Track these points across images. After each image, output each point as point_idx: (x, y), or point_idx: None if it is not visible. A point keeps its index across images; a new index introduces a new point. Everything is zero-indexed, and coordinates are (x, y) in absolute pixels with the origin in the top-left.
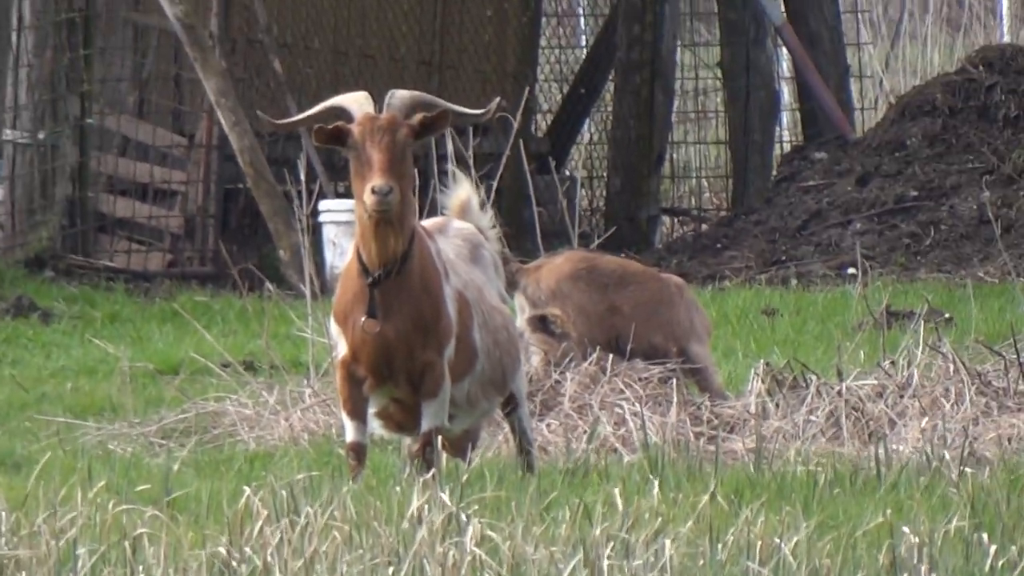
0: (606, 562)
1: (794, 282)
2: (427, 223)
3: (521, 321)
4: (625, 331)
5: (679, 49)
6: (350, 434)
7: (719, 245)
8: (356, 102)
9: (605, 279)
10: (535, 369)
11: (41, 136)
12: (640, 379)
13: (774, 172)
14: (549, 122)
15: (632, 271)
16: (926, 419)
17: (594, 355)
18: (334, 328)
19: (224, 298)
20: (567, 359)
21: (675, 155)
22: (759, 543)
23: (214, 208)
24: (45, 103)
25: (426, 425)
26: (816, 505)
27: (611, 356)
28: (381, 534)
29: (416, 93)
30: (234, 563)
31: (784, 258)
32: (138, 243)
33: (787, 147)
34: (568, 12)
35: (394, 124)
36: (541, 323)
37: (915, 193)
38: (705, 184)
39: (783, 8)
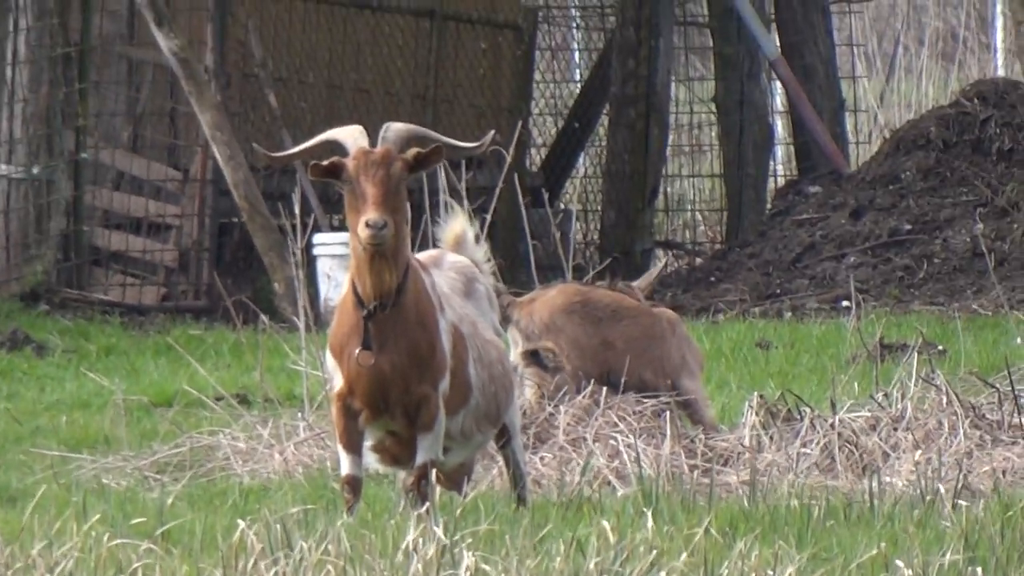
0: None
1: (788, 315)
2: (422, 256)
3: (515, 355)
4: (617, 366)
5: (673, 83)
6: (345, 467)
7: (713, 278)
8: (351, 136)
9: (599, 313)
10: (529, 402)
11: (36, 170)
12: (634, 412)
13: (768, 206)
14: (543, 156)
15: (625, 306)
16: (920, 452)
17: (588, 388)
18: (330, 361)
19: (218, 331)
20: (561, 393)
21: (669, 188)
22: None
23: (208, 242)
24: (40, 137)
25: (421, 458)
26: (810, 538)
27: (604, 389)
28: (375, 568)
29: (411, 126)
30: None
31: (778, 291)
32: (132, 277)
33: (781, 181)
34: (562, 46)
35: (388, 158)
36: (535, 357)
37: (909, 226)
38: (699, 217)
39: (777, 42)
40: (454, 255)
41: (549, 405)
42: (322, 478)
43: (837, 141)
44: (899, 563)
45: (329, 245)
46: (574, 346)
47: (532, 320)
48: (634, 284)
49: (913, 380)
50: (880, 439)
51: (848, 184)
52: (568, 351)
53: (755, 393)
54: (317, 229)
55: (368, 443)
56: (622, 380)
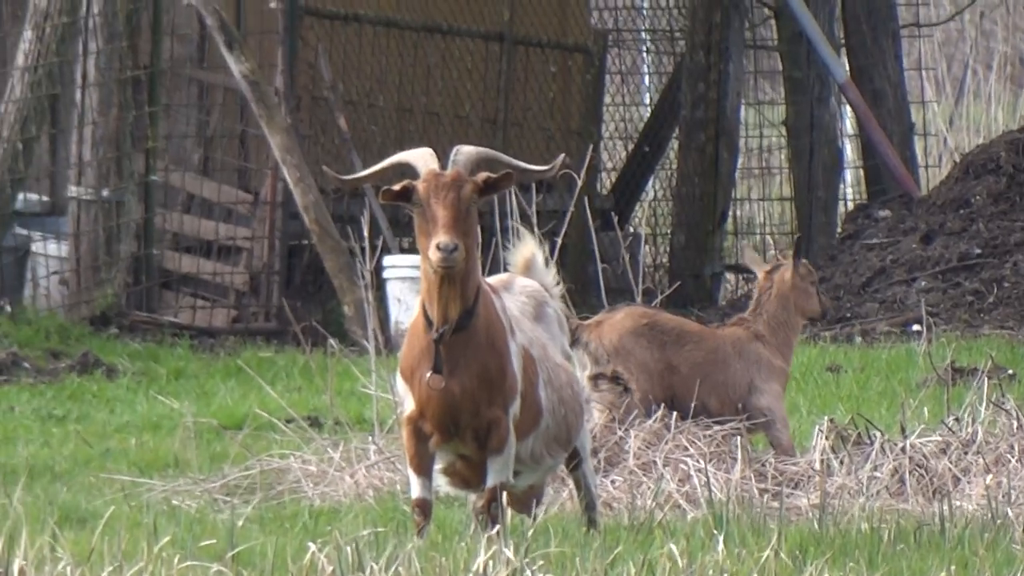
0: None
1: (858, 339)
2: (492, 280)
3: (583, 378)
4: (681, 390)
5: (743, 107)
6: (416, 490)
7: None
8: (421, 158)
9: (664, 336)
10: (597, 426)
11: (106, 193)
12: (704, 436)
13: (838, 229)
14: (613, 179)
15: (689, 330)
16: (990, 476)
17: (658, 412)
18: (400, 384)
19: (288, 354)
20: (630, 416)
21: (739, 212)
22: None
23: (279, 264)
24: (110, 160)
25: (491, 481)
26: (880, 561)
27: (674, 414)
28: None
29: (481, 149)
30: None
31: (848, 315)
32: (203, 299)
33: (851, 204)
34: (632, 70)
35: (459, 180)
36: (603, 381)
37: (979, 250)
38: (770, 241)
39: (847, 66)
40: (524, 279)
41: (619, 429)
42: (392, 501)
43: (907, 165)
44: None
45: (399, 268)
46: (642, 369)
47: (601, 343)
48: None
49: (983, 404)
50: (950, 463)
51: (918, 208)
52: (636, 374)
53: (825, 417)
54: (387, 251)
55: (438, 466)
56: (690, 406)
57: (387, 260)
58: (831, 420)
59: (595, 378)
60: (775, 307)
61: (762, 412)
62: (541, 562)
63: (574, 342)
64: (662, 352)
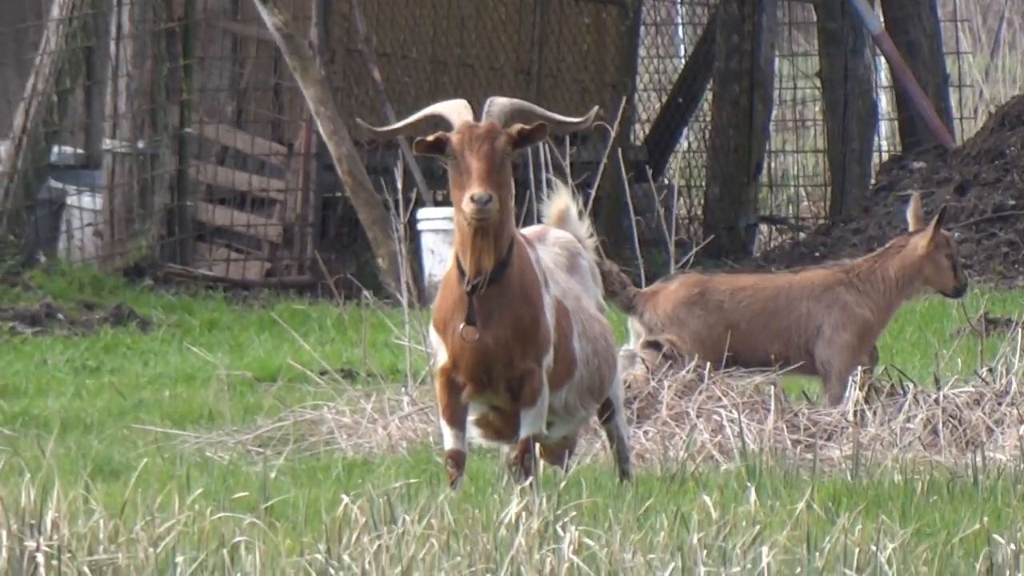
0: (703, 569)
1: None
2: (525, 231)
3: (636, 345)
4: (743, 346)
5: (777, 59)
6: (449, 442)
7: (817, 253)
8: (455, 110)
9: (718, 297)
10: (635, 377)
11: (140, 145)
12: (737, 386)
13: (872, 181)
14: (647, 131)
15: (742, 284)
16: None
17: (692, 363)
18: (433, 336)
19: (322, 306)
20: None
21: (773, 164)
22: (856, 550)
23: (312, 217)
24: (144, 112)
25: (524, 433)
26: (913, 513)
27: (708, 364)
28: (478, 541)
29: (515, 101)
30: (332, 571)
31: None
32: (236, 251)
33: (885, 156)
34: (666, 21)
35: (493, 132)
36: (655, 347)
37: (1013, 202)
38: (803, 193)
39: (882, 17)
40: (557, 230)
41: (653, 379)
42: (425, 452)
43: (941, 116)
44: (997, 537)
45: (433, 220)
46: (696, 339)
47: (656, 313)
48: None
49: (1017, 355)
50: (984, 414)
51: (953, 159)
52: (690, 344)
53: (859, 368)
54: (421, 204)
55: (471, 417)
56: (754, 358)
57: (421, 212)
58: (864, 371)
59: (647, 344)
60: (893, 265)
61: (821, 362)
62: (573, 513)
63: (631, 310)
64: (719, 315)
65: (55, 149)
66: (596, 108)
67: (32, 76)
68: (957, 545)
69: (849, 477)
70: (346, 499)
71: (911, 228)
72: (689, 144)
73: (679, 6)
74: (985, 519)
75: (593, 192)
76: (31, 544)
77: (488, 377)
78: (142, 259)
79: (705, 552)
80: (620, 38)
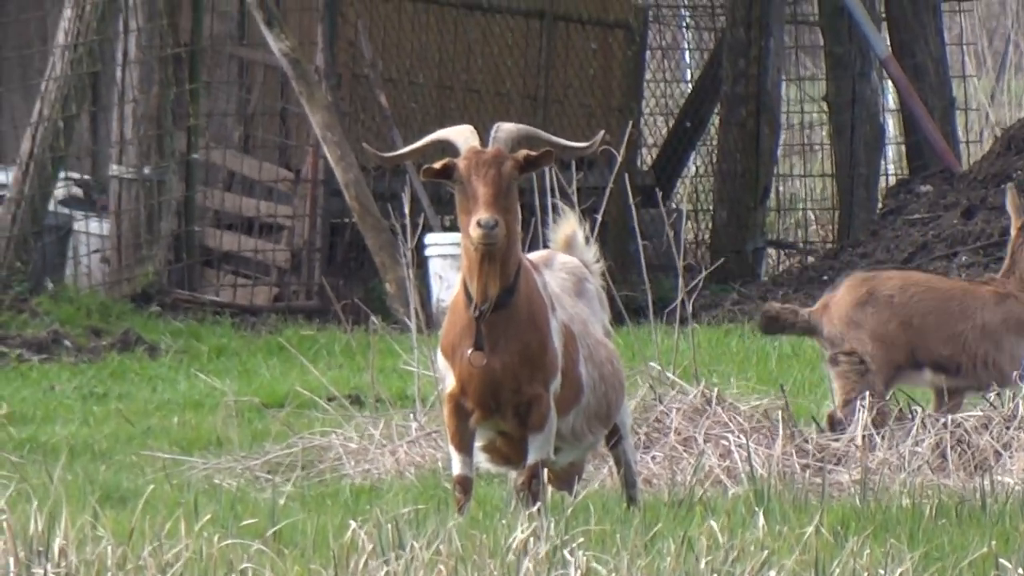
0: None
1: None
2: (532, 256)
3: (824, 362)
4: (916, 342)
5: (784, 83)
6: (457, 467)
7: (825, 277)
8: (462, 135)
9: (887, 293)
10: (836, 410)
11: (147, 171)
12: (744, 412)
13: (880, 205)
14: (654, 156)
15: (915, 280)
16: None
17: (700, 387)
18: (441, 361)
19: (330, 332)
20: (866, 392)
21: (781, 188)
22: (864, 574)
23: (320, 242)
24: (151, 138)
25: (532, 458)
26: (921, 536)
27: (716, 390)
28: (486, 567)
29: (522, 126)
30: None
31: None
32: (244, 277)
33: (892, 180)
34: (673, 46)
35: (500, 158)
36: (841, 358)
37: None
38: (811, 216)
39: (888, 41)
40: (564, 255)
41: (660, 404)
42: (433, 478)
43: (948, 140)
44: (1004, 562)
45: (441, 245)
46: (874, 338)
47: (833, 324)
48: None
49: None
50: (992, 438)
51: (960, 183)
52: (871, 346)
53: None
54: (428, 229)
55: (479, 443)
56: (927, 359)
57: (428, 238)
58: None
59: (833, 358)
60: None
61: (998, 366)
62: (581, 539)
63: (811, 331)
64: (890, 311)
65: (61, 175)
66: (602, 133)
67: (38, 102)
68: (966, 569)
69: (857, 501)
70: (354, 525)
71: (1015, 220)
72: (696, 168)
73: (685, 31)
74: (993, 543)
75: (600, 217)
76: (39, 571)
77: (496, 402)
78: (149, 285)
79: None
80: (626, 63)
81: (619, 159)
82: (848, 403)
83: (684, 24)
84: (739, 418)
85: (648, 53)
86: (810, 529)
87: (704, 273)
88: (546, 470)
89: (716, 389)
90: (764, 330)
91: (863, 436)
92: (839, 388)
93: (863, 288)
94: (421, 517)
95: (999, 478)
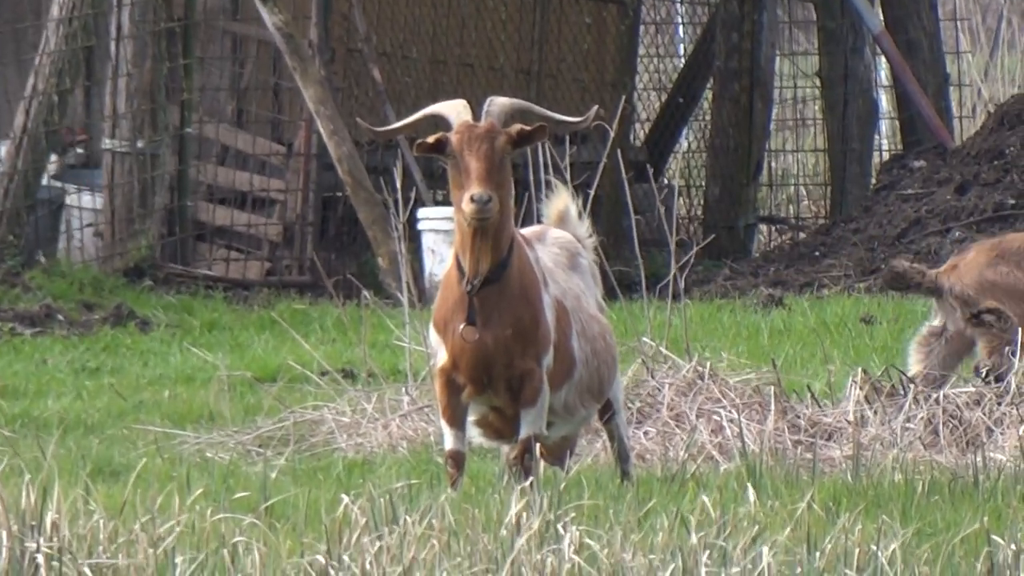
0: (704, 569)
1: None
2: (525, 231)
3: (959, 321)
4: None
5: (777, 58)
6: (449, 442)
7: (817, 253)
8: (454, 110)
9: (1018, 256)
10: (985, 361)
11: (140, 145)
12: (736, 387)
13: (873, 180)
14: (647, 131)
15: None
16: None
17: (694, 362)
18: (433, 336)
19: (322, 306)
20: (1012, 345)
21: (773, 163)
22: (856, 550)
23: (312, 216)
24: (144, 112)
25: (524, 433)
26: (914, 512)
27: (708, 364)
28: (479, 542)
29: (515, 101)
30: (332, 571)
31: (883, 266)
32: (236, 251)
33: (886, 155)
34: (666, 20)
35: (493, 132)
36: (980, 318)
37: (1013, 201)
38: (803, 192)
39: (881, 16)
40: (557, 230)
41: (652, 378)
42: (426, 452)
43: (941, 116)
44: (996, 538)
45: (433, 220)
46: (1009, 295)
47: (964, 284)
48: None
49: (1017, 355)
50: (984, 414)
51: (953, 159)
52: (1007, 302)
53: (859, 368)
54: (420, 203)
55: (472, 418)
56: None
57: (421, 212)
58: (865, 371)
59: (973, 317)
60: None
61: None
62: (574, 514)
63: (935, 291)
64: (1022, 269)
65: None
66: (596, 108)
67: (32, 76)
68: (958, 545)
69: (849, 477)
70: (346, 499)
71: None
72: (689, 144)
73: (679, 5)
74: (985, 519)
75: (593, 192)
76: (31, 545)
77: (488, 377)
78: (142, 259)
79: (706, 552)
80: (620, 37)
81: (612, 134)
82: (993, 353)
83: None
84: (731, 393)
85: (641, 28)
86: (802, 505)
87: (696, 248)
88: (539, 445)
89: (708, 364)
90: (888, 285)
91: (855, 412)
92: (984, 344)
93: (992, 251)
94: (414, 492)
95: (991, 454)
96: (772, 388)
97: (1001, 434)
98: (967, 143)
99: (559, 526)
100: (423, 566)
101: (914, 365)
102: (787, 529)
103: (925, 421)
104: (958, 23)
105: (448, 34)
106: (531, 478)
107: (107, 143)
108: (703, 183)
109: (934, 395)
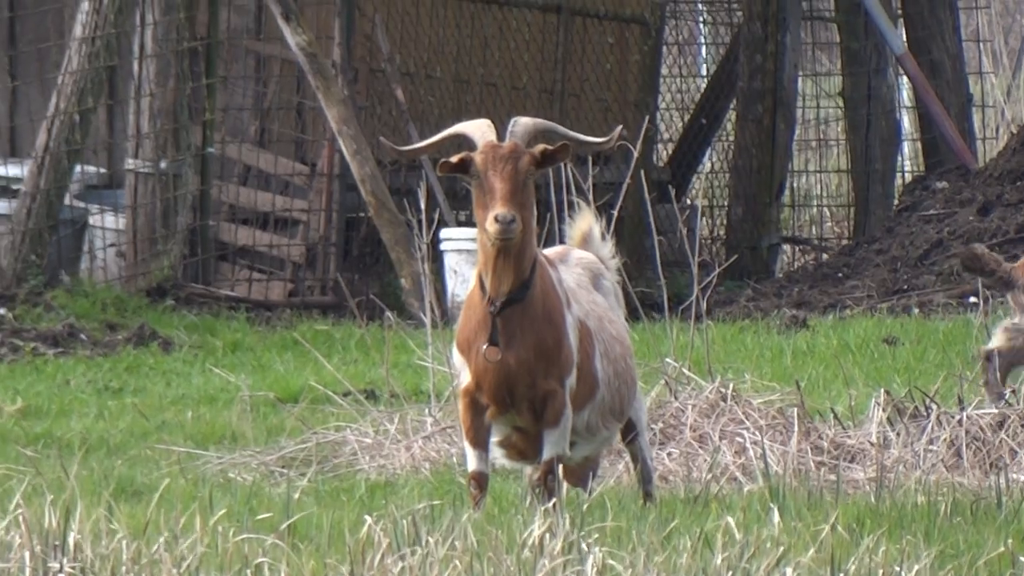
0: None
1: (915, 311)
2: (548, 252)
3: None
4: None
5: (800, 78)
6: (472, 463)
7: (840, 274)
8: (478, 130)
9: None
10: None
11: (163, 165)
12: (759, 408)
13: (895, 201)
14: (670, 151)
15: None
16: None
17: (715, 384)
18: (457, 357)
19: (345, 327)
20: None
21: (796, 184)
22: (880, 572)
23: (335, 237)
24: (167, 132)
25: (547, 454)
26: (937, 534)
27: (731, 385)
28: (502, 563)
29: (539, 120)
30: None
31: (905, 287)
32: (259, 272)
33: (908, 176)
34: (689, 41)
35: (516, 152)
36: None
37: None
38: (826, 213)
39: (904, 37)
40: (580, 251)
41: (675, 400)
42: (449, 473)
43: (964, 137)
44: (1021, 559)
45: (456, 240)
46: None
47: None
48: None
49: None
50: (1007, 436)
51: (976, 180)
52: None
53: (882, 389)
54: (444, 224)
55: (495, 438)
56: None
57: (444, 232)
58: (887, 392)
59: None
60: None
61: None
62: (597, 535)
63: (1007, 284)
64: None
65: (77, 168)
66: (619, 128)
67: (54, 95)
68: (981, 567)
69: (873, 499)
70: (369, 520)
71: None
72: (712, 164)
73: (702, 26)
74: (1009, 541)
75: (616, 213)
76: (54, 565)
77: (511, 398)
78: (164, 279)
79: (729, 574)
80: (643, 57)
81: (635, 154)
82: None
83: (700, 19)
84: (754, 415)
85: (664, 48)
86: (826, 526)
87: (719, 269)
88: (561, 466)
89: (731, 385)
90: (964, 266)
91: (878, 433)
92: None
93: None
94: (436, 512)
95: (1014, 476)
96: (795, 409)
97: None
98: (990, 164)
99: (582, 547)
100: None
101: (997, 340)
102: (811, 551)
103: (948, 443)
104: (981, 44)
105: (471, 54)
106: (554, 499)
107: (130, 163)
108: (726, 203)
109: (956, 417)
